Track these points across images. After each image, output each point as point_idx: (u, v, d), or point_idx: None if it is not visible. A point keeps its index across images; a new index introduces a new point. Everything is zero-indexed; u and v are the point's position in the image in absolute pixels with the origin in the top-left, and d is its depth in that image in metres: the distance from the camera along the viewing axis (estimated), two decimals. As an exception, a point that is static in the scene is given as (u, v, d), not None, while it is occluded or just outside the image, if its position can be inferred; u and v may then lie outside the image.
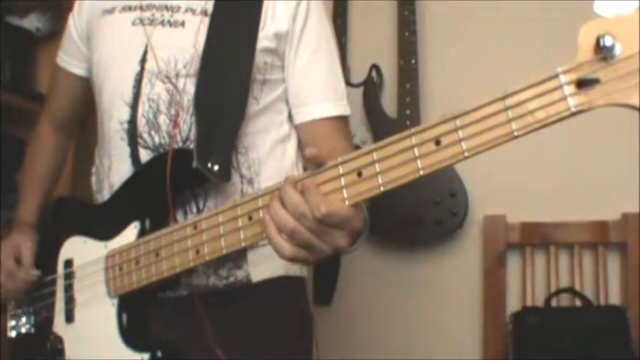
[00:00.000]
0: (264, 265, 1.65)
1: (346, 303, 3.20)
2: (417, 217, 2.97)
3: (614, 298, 2.84)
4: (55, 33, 3.11)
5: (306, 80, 1.68)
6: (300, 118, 1.70)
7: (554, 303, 2.81)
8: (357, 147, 2.81)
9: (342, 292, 3.20)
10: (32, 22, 3.13)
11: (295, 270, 1.72)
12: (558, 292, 2.84)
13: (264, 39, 1.63)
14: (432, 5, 3.20)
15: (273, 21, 1.65)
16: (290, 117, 1.73)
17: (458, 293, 3.08)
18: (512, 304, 2.91)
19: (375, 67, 3.18)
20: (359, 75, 3.21)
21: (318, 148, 1.40)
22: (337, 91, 1.71)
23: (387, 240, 3.13)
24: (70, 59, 1.90)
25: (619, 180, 2.84)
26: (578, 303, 2.80)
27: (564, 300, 2.85)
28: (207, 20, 1.63)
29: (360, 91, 3.16)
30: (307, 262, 1.22)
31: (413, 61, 3.07)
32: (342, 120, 1.71)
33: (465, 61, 3.12)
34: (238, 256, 1.61)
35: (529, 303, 2.86)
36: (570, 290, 2.83)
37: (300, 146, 1.74)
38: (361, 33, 3.32)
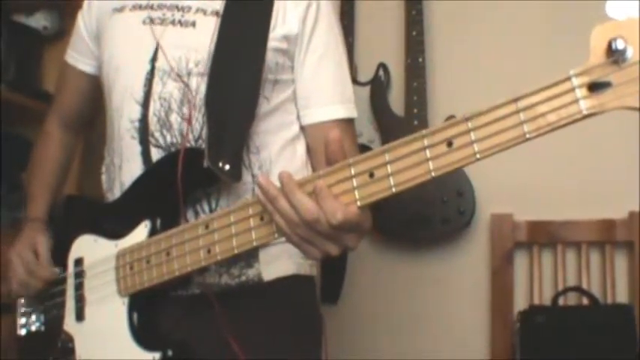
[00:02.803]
0: (276, 264, 1.66)
1: (353, 302, 3.20)
2: (425, 216, 2.97)
3: (622, 297, 2.83)
4: (62, 31, 3.12)
5: (314, 83, 1.69)
6: (307, 120, 1.71)
7: (561, 301, 2.81)
8: (364, 146, 2.85)
9: (349, 291, 3.19)
10: (39, 21, 3.14)
11: (306, 269, 1.72)
12: (565, 290, 2.84)
13: (275, 40, 1.63)
14: (439, 4, 3.20)
15: (283, 23, 1.65)
16: (298, 117, 1.74)
17: (465, 292, 3.08)
18: (520, 303, 2.91)
19: (382, 65, 3.19)
20: (366, 73, 3.21)
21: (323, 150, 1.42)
22: (344, 93, 1.72)
23: (394, 239, 3.14)
24: (78, 56, 1.90)
25: (626, 178, 2.83)
26: (585, 301, 2.80)
27: (571, 298, 2.84)
28: (218, 21, 1.64)
29: (367, 89, 3.17)
30: (315, 259, 1.26)
31: (420, 60, 3.06)
32: (349, 122, 1.72)
33: (472, 59, 3.12)
34: (250, 255, 1.62)
35: (536, 301, 2.87)
36: (577, 289, 2.83)
37: (308, 148, 1.75)
38: (368, 32, 3.32)
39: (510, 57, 3.04)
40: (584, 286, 2.84)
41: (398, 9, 3.22)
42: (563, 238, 2.91)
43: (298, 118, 1.73)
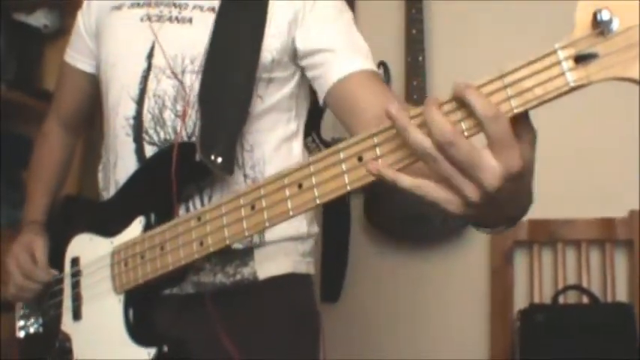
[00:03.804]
0: (271, 263, 1.65)
1: (353, 300, 3.20)
2: (424, 214, 2.95)
3: (621, 295, 2.83)
4: (62, 30, 3.13)
5: (326, 45, 1.61)
6: (334, 76, 1.58)
7: (561, 300, 2.81)
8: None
9: (349, 290, 3.19)
10: (39, 19, 3.15)
11: (302, 267, 1.72)
12: (565, 289, 2.83)
13: (271, 36, 1.62)
14: (439, 3, 3.21)
15: (278, 16, 1.62)
16: (297, 114, 1.73)
17: (465, 291, 3.08)
18: (520, 301, 2.90)
19: (382, 64, 3.17)
20: (366, 72, 3.21)
21: (361, 101, 1.44)
22: (362, 51, 1.64)
23: (394, 238, 3.14)
24: (77, 55, 1.90)
25: (626, 177, 2.82)
26: (585, 300, 2.80)
27: (571, 297, 2.84)
28: (214, 17, 1.63)
29: (367, 88, 3.16)
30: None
31: (420, 58, 3.07)
32: (378, 75, 1.63)
33: (472, 58, 3.12)
34: (245, 254, 1.62)
35: (536, 300, 2.86)
36: (577, 287, 2.83)
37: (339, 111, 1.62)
38: (368, 30, 3.24)
39: (510, 56, 3.00)
40: (584, 284, 2.83)
41: (398, 8, 3.22)
42: (563, 236, 2.90)
43: (297, 114, 1.72)
